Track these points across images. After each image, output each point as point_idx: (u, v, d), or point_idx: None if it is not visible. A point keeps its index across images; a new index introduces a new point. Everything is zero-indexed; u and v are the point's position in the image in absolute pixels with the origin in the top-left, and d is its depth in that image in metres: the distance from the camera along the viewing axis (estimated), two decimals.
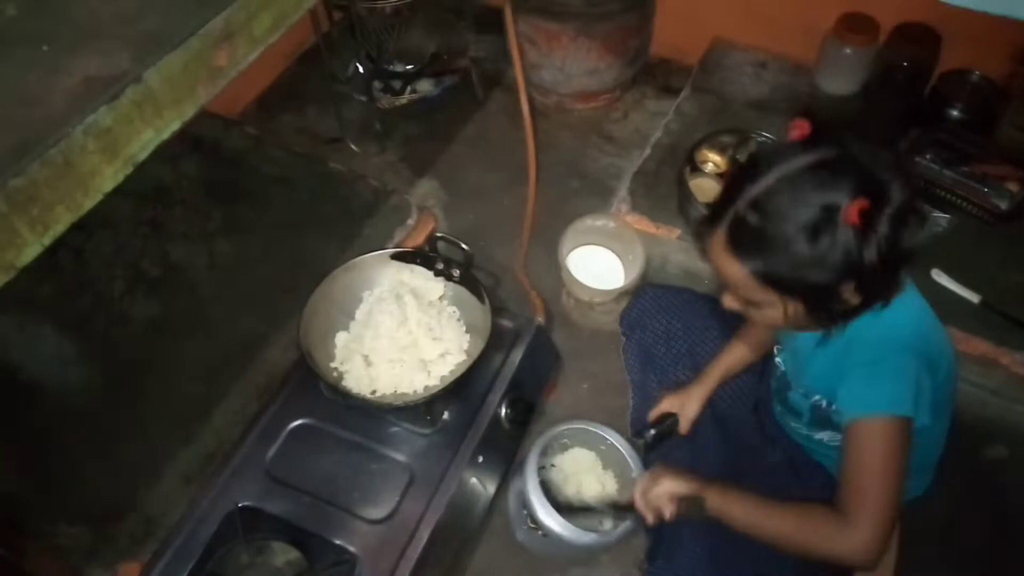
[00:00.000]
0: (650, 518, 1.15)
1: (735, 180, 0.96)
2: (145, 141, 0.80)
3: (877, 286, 0.94)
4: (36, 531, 1.42)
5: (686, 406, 1.34)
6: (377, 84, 2.15)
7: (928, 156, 1.81)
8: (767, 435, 1.32)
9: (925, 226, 0.94)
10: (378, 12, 2.00)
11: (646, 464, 1.38)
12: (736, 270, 0.96)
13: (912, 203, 0.91)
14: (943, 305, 1.62)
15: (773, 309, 0.98)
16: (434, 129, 2.28)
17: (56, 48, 0.77)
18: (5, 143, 0.67)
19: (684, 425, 1.34)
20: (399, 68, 2.20)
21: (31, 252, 0.70)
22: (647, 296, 1.50)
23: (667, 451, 1.35)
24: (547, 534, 1.32)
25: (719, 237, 0.96)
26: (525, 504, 1.36)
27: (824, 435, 1.19)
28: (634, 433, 1.45)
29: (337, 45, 2.15)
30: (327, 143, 2.21)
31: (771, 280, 0.94)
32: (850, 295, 0.94)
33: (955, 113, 1.94)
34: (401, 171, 2.18)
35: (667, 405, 1.36)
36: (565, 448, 1.53)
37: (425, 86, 2.18)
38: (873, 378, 0.98)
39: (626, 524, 1.32)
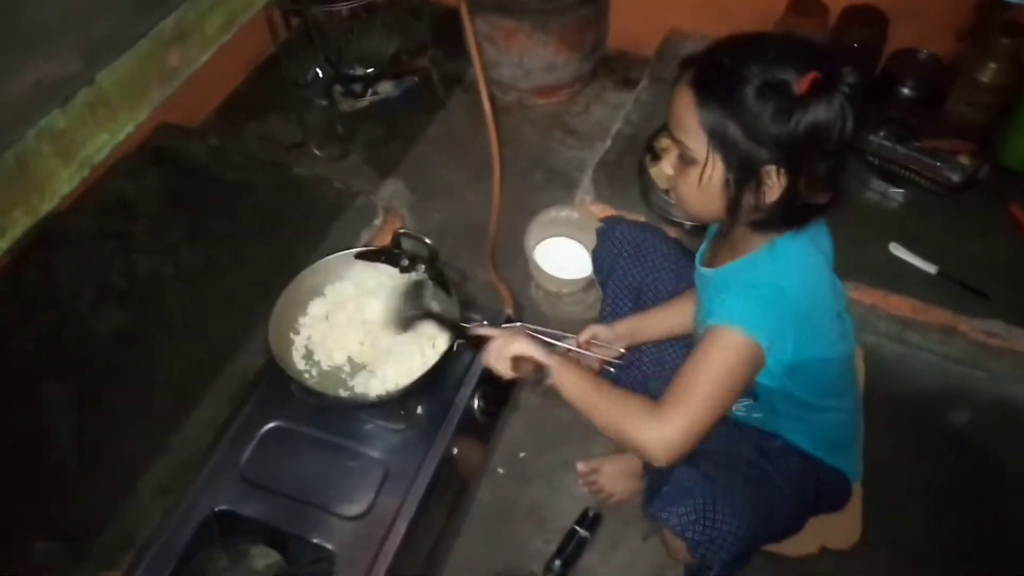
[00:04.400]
0: (499, 369, 1.17)
1: (730, 37, 0.99)
2: (100, 144, 0.81)
3: (795, 187, 0.95)
4: (11, 547, 1.41)
5: (612, 344, 1.36)
6: (338, 88, 2.15)
7: (882, 133, 1.85)
8: None
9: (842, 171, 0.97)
10: (335, 16, 2.01)
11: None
12: (687, 105, 0.97)
13: (851, 133, 0.92)
14: (901, 276, 1.70)
15: (695, 170, 0.98)
16: (397, 130, 2.29)
17: (4, 55, 0.77)
18: None
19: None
20: (359, 71, 2.20)
21: None
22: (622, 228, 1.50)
23: None
24: None
25: (688, 75, 0.98)
26: None
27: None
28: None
29: (296, 51, 2.15)
30: (290, 149, 2.21)
31: (710, 125, 0.95)
32: (769, 182, 0.95)
33: (906, 91, 1.98)
34: (365, 173, 2.18)
35: (587, 335, 1.37)
36: None
37: (386, 88, 2.19)
38: (742, 297, 1.01)
39: None
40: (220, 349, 1.67)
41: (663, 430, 0.99)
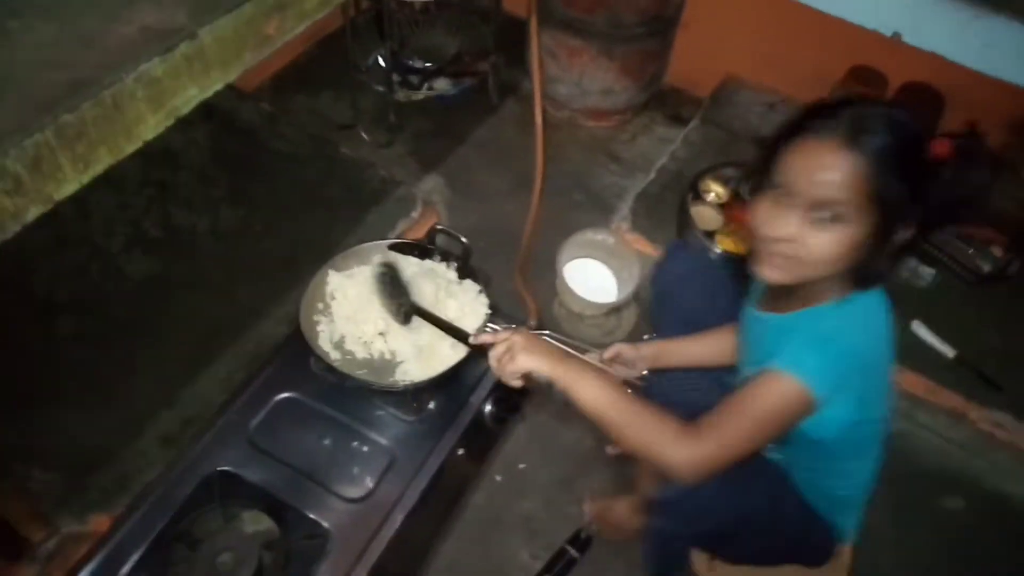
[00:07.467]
0: (504, 378, 1.12)
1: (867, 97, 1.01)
2: (189, 96, 0.83)
3: (916, 239, 0.98)
4: (9, 472, 1.42)
5: (635, 364, 1.36)
6: (396, 77, 2.18)
7: None
8: None
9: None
10: (407, 6, 2.03)
11: None
12: (845, 163, 0.93)
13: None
14: (919, 355, 1.71)
15: (840, 228, 0.95)
16: (446, 127, 2.31)
17: None
18: (61, 79, 0.69)
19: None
20: (419, 64, 2.23)
21: (69, 188, 0.72)
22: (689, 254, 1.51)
23: None
24: None
25: (837, 132, 0.94)
26: None
27: None
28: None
29: (361, 34, 2.18)
30: (339, 128, 2.23)
31: (872, 187, 0.93)
32: (899, 237, 0.98)
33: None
34: (409, 164, 2.21)
35: (611, 352, 1.36)
36: None
37: (442, 84, 2.21)
38: (808, 347, 1.00)
39: None
40: (243, 312, 1.68)
41: (694, 451, 0.99)
